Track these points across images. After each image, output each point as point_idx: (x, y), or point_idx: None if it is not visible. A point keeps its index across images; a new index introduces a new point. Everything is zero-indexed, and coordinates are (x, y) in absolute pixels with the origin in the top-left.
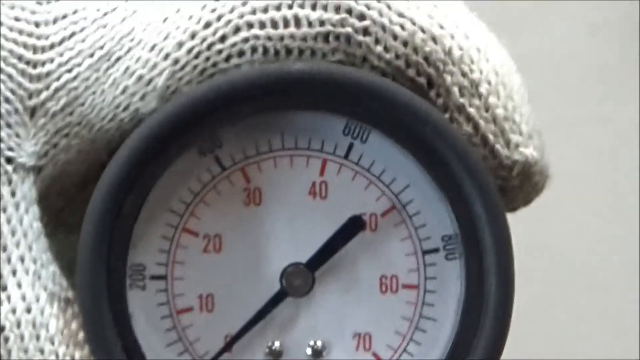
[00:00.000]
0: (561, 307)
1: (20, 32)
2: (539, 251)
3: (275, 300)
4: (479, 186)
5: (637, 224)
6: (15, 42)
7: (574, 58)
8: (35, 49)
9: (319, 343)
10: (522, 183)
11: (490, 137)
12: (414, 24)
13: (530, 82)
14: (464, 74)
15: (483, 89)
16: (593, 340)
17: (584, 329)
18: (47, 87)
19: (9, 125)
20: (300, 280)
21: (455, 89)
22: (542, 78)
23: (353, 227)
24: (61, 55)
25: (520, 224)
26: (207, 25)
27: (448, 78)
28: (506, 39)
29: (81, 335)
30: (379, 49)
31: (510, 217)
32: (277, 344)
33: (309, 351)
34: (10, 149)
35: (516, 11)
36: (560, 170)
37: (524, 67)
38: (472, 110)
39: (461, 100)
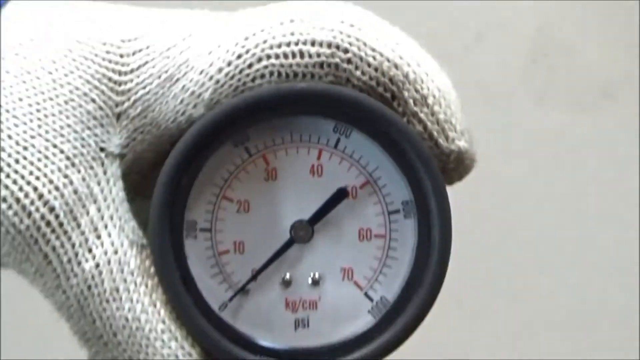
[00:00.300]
0: (561, 307)
1: (110, 61)
2: (537, 251)
3: (286, 246)
4: (426, 167)
5: (637, 224)
6: (107, 68)
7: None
8: (120, 73)
9: (317, 275)
10: (457, 165)
11: (435, 133)
12: (382, 55)
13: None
14: (416, 91)
15: (430, 100)
16: (593, 340)
17: (584, 329)
18: (129, 99)
19: (102, 125)
20: (303, 232)
21: (411, 101)
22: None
23: (340, 195)
24: (138, 77)
25: (519, 223)
26: (239, 56)
27: (406, 93)
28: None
29: (152, 269)
30: (358, 73)
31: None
32: (287, 275)
33: (309, 281)
34: (103, 141)
35: None
36: (559, 169)
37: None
38: (422, 116)
39: (415, 108)
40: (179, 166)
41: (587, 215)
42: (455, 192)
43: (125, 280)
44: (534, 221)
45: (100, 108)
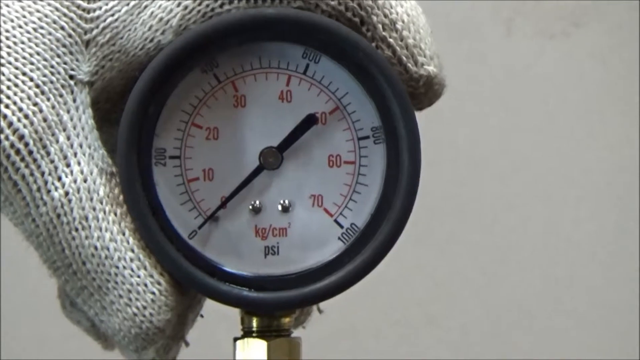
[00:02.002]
0: (560, 307)
1: None
2: (507, 181)
3: (255, 172)
4: (395, 92)
5: (637, 223)
6: None
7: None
8: (89, 1)
9: (286, 202)
10: (426, 90)
11: (404, 58)
12: None
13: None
14: (385, 15)
15: (399, 25)
16: (593, 341)
17: (584, 329)
18: (97, 27)
19: (71, 53)
20: (272, 158)
21: (380, 26)
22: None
23: (309, 121)
24: (107, 4)
25: (488, 154)
26: None
27: (374, 18)
28: None
29: (121, 197)
30: None
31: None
32: (257, 202)
33: (279, 207)
34: (72, 69)
35: None
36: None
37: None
38: (391, 40)
39: (384, 33)
40: (147, 93)
41: (558, 143)
42: (426, 123)
43: (94, 209)
44: (503, 151)
45: (70, 35)
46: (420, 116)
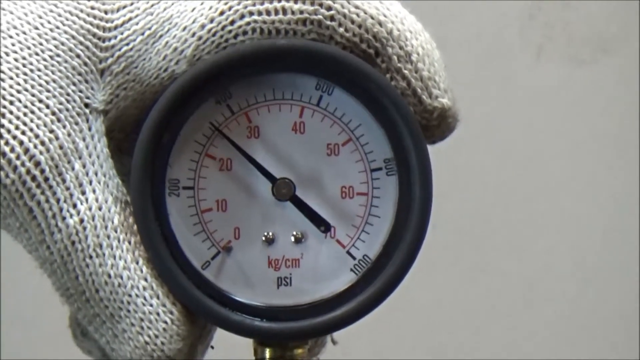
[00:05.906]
0: (592, 334)
1: (95, 17)
2: (533, 207)
3: (265, 173)
4: (407, 124)
5: (637, 225)
6: (92, 24)
7: None
8: (104, 29)
9: (299, 233)
10: (439, 123)
11: (418, 90)
12: (365, 13)
13: None
14: (400, 47)
15: (414, 57)
16: (593, 340)
17: (584, 329)
18: (112, 56)
19: (86, 82)
20: (286, 190)
21: (395, 57)
22: None
23: (324, 227)
24: (122, 34)
25: (516, 179)
26: (222, 13)
27: (389, 50)
28: None
29: (135, 226)
30: (341, 30)
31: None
32: (270, 233)
33: (292, 238)
34: (88, 97)
35: None
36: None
37: None
38: (406, 72)
39: (399, 65)
40: (160, 123)
41: (586, 168)
42: (453, 148)
43: (108, 237)
44: (531, 176)
45: (85, 64)
46: (448, 140)
